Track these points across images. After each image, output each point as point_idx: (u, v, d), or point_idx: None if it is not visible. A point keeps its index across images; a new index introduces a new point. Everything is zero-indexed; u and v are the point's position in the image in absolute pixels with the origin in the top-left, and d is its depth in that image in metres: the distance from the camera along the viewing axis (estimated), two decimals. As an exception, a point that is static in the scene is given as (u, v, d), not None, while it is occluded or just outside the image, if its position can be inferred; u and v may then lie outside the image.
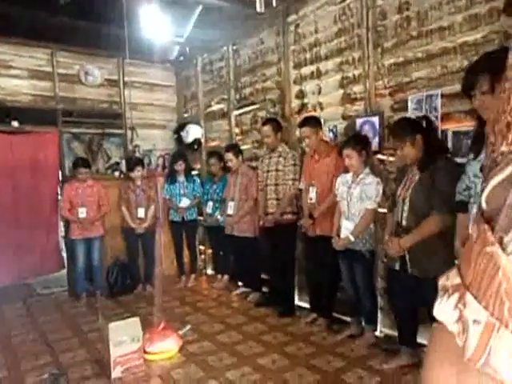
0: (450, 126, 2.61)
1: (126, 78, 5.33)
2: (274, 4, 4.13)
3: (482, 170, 1.78)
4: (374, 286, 3.03)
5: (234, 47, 4.75)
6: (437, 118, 2.66)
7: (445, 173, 2.21)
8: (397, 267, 2.40)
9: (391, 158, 2.92)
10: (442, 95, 2.65)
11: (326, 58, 3.54)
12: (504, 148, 0.38)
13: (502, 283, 0.33)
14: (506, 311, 0.32)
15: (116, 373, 2.61)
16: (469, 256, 0.38)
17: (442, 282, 0.42)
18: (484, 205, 0.38)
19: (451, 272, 0.41)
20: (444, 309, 0.39)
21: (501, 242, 0.34)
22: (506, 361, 0.31)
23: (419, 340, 2.54)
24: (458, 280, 0.39)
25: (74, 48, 4.97)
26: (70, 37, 4.74)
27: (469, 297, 0.37)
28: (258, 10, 4.32)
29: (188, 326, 3.38)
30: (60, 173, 4.88)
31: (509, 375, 0.31)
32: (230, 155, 4.10)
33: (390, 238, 2.44)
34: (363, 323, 3.04)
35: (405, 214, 2.38)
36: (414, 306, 2.43)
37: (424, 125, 2.39)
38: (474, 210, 1.80)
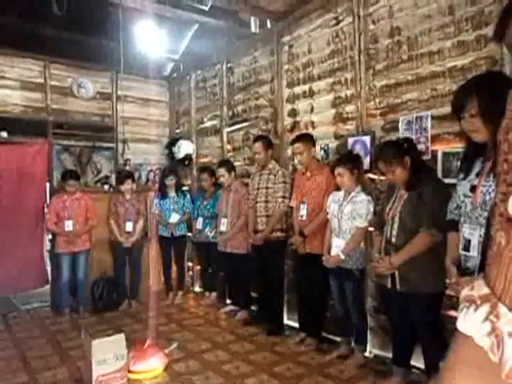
0: (440, 147, 2.66)
1: (119, 92, 5.34)
2: (269, 25, 4.24)
3: (472, 189, 1.80)
4: (364, 305, 3.01)
5: (228, 65, 4.82)
6: (427, 138, 2.72)
7: (433, 191, 2.25)
8: (388, 285, 2.39)
9: (382, 177, 2.95)
10: (432, 117, 2.71)
11: (319, 77, 3.61)
12: None
13: None
14: None
15: (98, 393, 2.51)
16: (498, 264, 0.36)
17: (465, 292, 0.39)
18: (511, 211, 0.36)
19: (476, 281, 0.39)
20: (471, 321, 0.36)
21: None
22: None
23: (413, 362, 2.52)
24: (485, 290, 0.36)
25: (67, 60, 4.98)
26: (65, 49, 4.75)
27: (502, 307, 0.34)
28: (253, 30, 4.42)
29: (174, 344, 3.29)
30: (48, 185, 4.80)
31: None
32: (222, 171, 4.10)
33: (380, 256, 2.44)
34: (353, 343, 3.00)
35: (394, 232, 2.39)
36: (409, 324, 2.41)
37: (407, 146, 2.43)
38: (464, 228, 1.81)
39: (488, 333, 0.33)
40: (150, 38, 4.27)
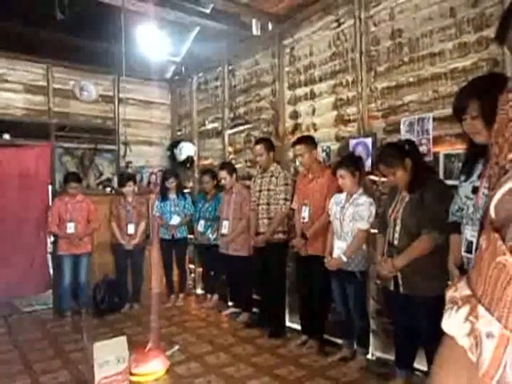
0: (442, 149, 2.66)
1: (121, 95, 5.36)
2: (270, 28, 4.25)
3: (473, 191, 1.80)
4: (366, 307, 3.00)
5: (230, 67, 4.83)
6: (428, 140, 2.72)
7: (434, 193, 2.25)
8: (391, 287, 2.39)
9: (383, 179, 2.95)
10: (434, 118, 2.71)
11: (320, 80, 3.61)
12: None
13: None
14: None
15: (99, 395, 2.51)
16: (479, 266, 0.37)
17: (450, 293, 0.40)
18: (493, 214, 0.36)
19: (459, 283, 0.40)
20: (453, 321, 0.37)
21: None
22: None
23: (416, 365, 2.51)
24: (467, 291, 0.37)
25: (70, 64, 5.00)
26: (67, 53, 4.77)
27: (481, 309, 0.34)
28: (255, 33, 4.44)
29: (176, 347, 3.28)
30: (51, 187, 4.81)
31: None
32: (223, 173, 4.10)
33: (383, 259, 2.43)
34: (355, 346, 2.99)
35: (396, 235, 2.38)
36: (412, 327, 2.39)
37: (408, 148, 2.42)
38: (466, 230, 1.81)
39: (468, 333, 0.35)
40: (152, 41, 4.28)
